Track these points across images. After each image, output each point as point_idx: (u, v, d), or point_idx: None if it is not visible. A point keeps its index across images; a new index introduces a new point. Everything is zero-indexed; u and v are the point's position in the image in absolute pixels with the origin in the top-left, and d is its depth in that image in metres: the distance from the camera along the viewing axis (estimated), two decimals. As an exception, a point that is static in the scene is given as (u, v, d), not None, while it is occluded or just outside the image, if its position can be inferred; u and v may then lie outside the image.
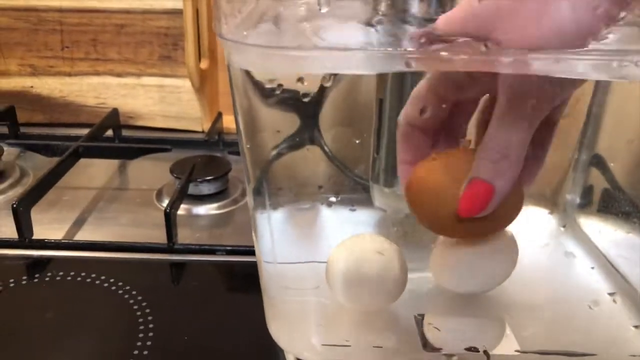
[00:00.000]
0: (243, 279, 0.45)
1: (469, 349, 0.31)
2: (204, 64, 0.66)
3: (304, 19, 0.24)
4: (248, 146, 0.32)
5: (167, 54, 0.69)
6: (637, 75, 0.20)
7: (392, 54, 0.22)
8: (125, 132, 0.71)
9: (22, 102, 0.71)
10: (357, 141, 0.42)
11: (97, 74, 0.70)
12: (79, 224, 0.52)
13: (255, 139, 0.33)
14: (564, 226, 0.43)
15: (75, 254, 0.46)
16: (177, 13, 0.65)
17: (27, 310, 0.40)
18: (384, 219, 0.42)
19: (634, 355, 0.32)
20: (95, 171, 0.61)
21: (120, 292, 0.41)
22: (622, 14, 0.20)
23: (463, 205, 0.26)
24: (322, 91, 0.39)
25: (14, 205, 0.46)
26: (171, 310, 0.40)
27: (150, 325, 0.38)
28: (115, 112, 0.70)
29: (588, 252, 0.40)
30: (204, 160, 0.58)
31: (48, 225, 0.50)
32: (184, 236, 0.48)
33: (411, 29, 0.26)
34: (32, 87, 0.71)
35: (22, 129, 0.68)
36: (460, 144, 0.30)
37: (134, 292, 0.41)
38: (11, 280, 0.42)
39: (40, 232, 0.48)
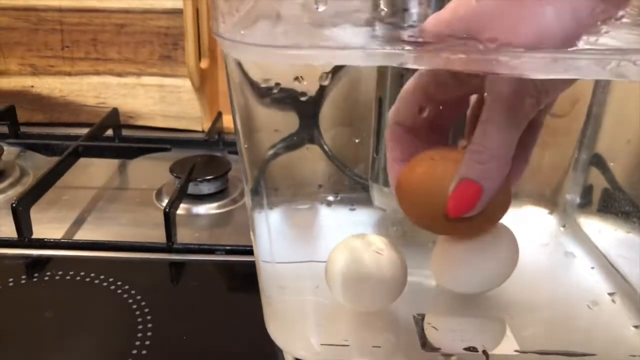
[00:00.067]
0: (242, 278, 0.44)
1: (468, 349, 0.31)
2: (204, 64, 0.66)
3: (302, 18, 0.24)
4: (246, 146, 0.32)
5: (167, 54, 0.69)
6: (635, 74, 0.20)
7: (390, 52, 0.22)
8: (125, 132, 0.71)
9: (22, 102, 0.71)
10: (357, 140, 0.42)
11: (97, 73, 0.70)
12: (78, 223, 0.52)
13: (253, 138, 0.33)
14: (563, 226, 0.43)
15: (74, 254, 0.46)
16: (177, 13, 0.65)
17: (26, 310, 0.40)
18: (383, 218, 0.42)
19: (633, 355, 0.32)
20: (95, 171, 0.61)
21: (119, 291, 0.41)
22: (621, 13, 0.20)
23: (452, 205, 0.26)
24: (322, 90, 0.39)
25: (13, 205, 0.46)
26: (170, 310, 0.40)
27: (149, 325, 0.38)
28: (115, 112, 0.70)
29: (588, 252, 0.40)
30: (204, 160, 0.58)
31: (47, 224, 0.50)
32: (183, 236, 0.48)
33: (410, 29, 0.26)
34: (32, 86, 0.71)
35: (22, 129, 0.68)
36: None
37: (133, 292, 0.41)
38: (10, 280, 0.42)
39: (39, 231, 0.48)
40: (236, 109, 0.30)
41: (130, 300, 0.40)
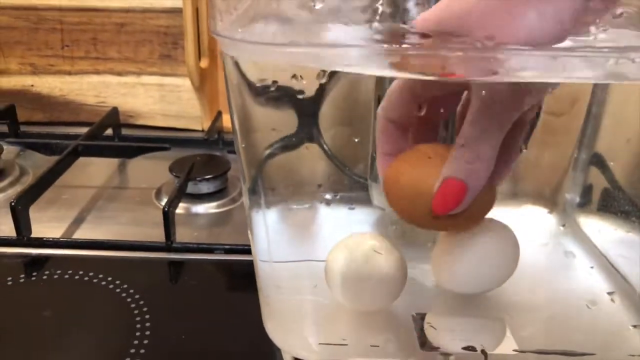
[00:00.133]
0: (241, 277, 0.44)
1: (466, 349, 0.31)
2: (203, 63, 0.66)
3: (300, 16, 0.24)
4: (243, 145, 0.32)
5: (167, 53, 0.69)
6: (633, 72, 0.20)
7: (389, 50, 0.22)
8: (124, 131, 0.71)
9: (22, 101, 0.71)
10: (356, 140, 0.42)
11: (97, 72, 0.71)
12: (77, 222, 0.52)
13: (251, 137, 0.33)
14: (563, 225, 0.43)
15: (73, 253, 0.46)
16: (177, 12, 0.65)
17: (25, 309, 0.40)
18: (382, 217, 0.42)
19: (632, 355, 0.32)
20: (95, 170, 0.61)
21: (118, 290, 0.41)
22: (620, 11, 0.20)
23: (437, 203, 0.27)
24: (322, 89, 0.39)
25: (12, 204, 0.46)
26: (169, 309, 0.40)
27: (148, 324, 0.38)
28: (115, 111, 0.70)
29: (587, 252, 0.40)
30: (203, 159, 0.58)
31: (47, 223, 0.50)
32: (182, 235, 0.48)
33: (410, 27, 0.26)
34: (32, 85, 0.71)
35: (22, 128, 0.68)
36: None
37: (131, 291, 0.41)
38: (9, 279, 0.42)
39: (38, 230, 0.48)
40: (234, 107, 0.30)
41: (129, 299, 0.40)
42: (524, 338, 0.32)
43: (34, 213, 0.48)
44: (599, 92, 0.40)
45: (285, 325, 0.34)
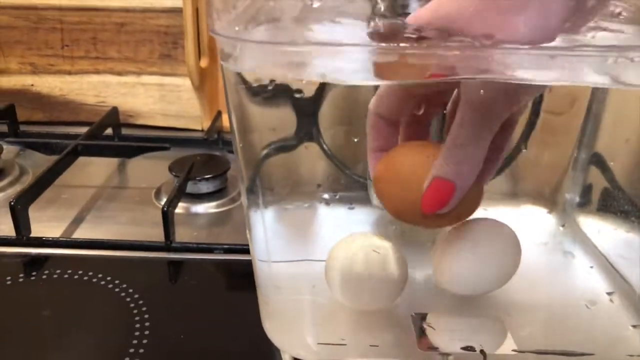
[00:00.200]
0: (241, 277, 0.44)
1: (465, 348, 0.31)
2: (203, 63, 0.66)
3: (299, 15, 0.24)
4: (241, 145, 0.32)
5: (167, 53, 0.69)
6: (632, 71, 0.20)
7: (387, 48, 0.22)
8: (124, 131, 0.71)
9: (22, 101, 0.71)
10: (356, 140, 0.42)
11: (97, 72, 0.70)
12: (77, 222, 0.52)
13: (249, 137, 0.33)
14: (563, 225, 0.43)
15: (72, 252, 0.46)
16: (177, 11, 0.65)
17: (24, 308, 0.40)
18: (382, 217, 0.42)
19: (632, 355, 0.32)
20: (94, 169, 0.61)
21: (117, 290, 0.41)
22: (619, 9, 0.20)
23: (425, 202, 0.27)
24: (321, 89, 0.39)
25: (12, 203, 0.46)
26: (168, 309, 0.40)
27: (147, 324, 0.38)
28: (115, 111, 0.70)
29: (587, 252, 0.40)
30: (203, 159, 0.58)
31: (46, 223, 0.50)
32: (182, 235, 0.48)
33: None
34: (32, 85, 0.71)
35: (22, 127, 0.68)
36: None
37: (131, 290, 0.41)
38: (8, 278, 0.42)
39: (38, 230, 0.48)
40: (232, 107, 0.30)
41: (129, 299, 0.40)
42: (523, 338, 0.32)
43: (33, 212, 0.48)
44: (598, 91, 0.40)
45: (284, 325, 0.34)
